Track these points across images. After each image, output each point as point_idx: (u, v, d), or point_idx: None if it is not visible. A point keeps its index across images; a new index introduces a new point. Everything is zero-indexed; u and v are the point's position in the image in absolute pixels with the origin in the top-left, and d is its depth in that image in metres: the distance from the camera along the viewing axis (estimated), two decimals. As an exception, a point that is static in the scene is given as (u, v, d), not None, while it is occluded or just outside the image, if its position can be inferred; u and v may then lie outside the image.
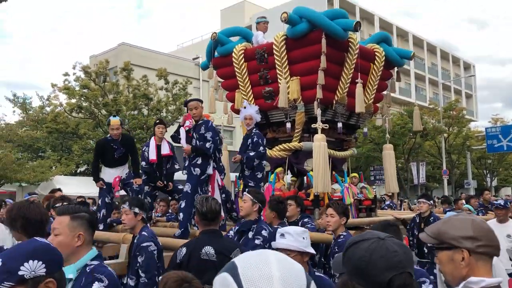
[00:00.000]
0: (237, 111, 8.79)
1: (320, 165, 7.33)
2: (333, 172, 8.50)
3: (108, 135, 7.39)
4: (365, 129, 9.00)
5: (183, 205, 6.50)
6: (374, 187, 19.37)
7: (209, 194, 6.87)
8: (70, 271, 2.48)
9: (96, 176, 7.46)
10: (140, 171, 7.63)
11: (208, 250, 3.85)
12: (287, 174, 8.98)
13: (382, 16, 53.36)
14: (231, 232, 5.27)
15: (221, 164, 7.35)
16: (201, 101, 6.84)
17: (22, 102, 30.01)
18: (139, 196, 7.12)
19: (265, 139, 7.58)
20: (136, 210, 4.60)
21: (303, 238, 3.50)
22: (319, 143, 7.42)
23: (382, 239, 1.53)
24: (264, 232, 4.89)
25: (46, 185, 22.86)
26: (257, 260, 1.14)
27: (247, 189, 6.64)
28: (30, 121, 29.02)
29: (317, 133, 7.74)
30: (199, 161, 6.57)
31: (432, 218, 7.70)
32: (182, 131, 6.94)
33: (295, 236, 3.48)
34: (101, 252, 2.82)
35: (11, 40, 79.76)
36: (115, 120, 7.26)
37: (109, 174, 7.29)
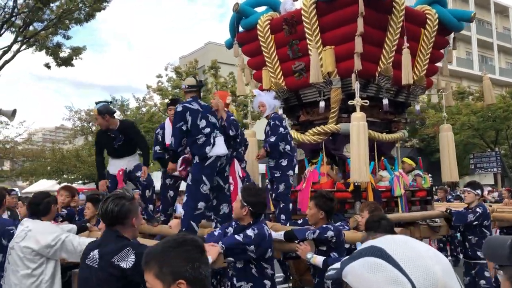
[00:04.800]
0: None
1: (359, 149, 5.69)
2: (382, 158, 6.81)
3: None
4: (417, 107, 7.20)
5: (184, 199, 5.08)
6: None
7: (232, 186, 5.50)
8: None
9: (100, 173, 6.02)
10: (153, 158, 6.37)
11: (95, 254, 2.72)
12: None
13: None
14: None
15: (241, 150, 5.90)
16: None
17: (121, 105, 31.28)
18: (147, 190, 5.79)
19: (285, 121, 6.20)
20: None
21: None
22: (357, 123, 5.79)
23: None
24: (249, 232, 3.67)
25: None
26: (400, 241, 1.03)
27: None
28: (129, 122, 29.93)
29: (355, 111, 6.10)
30: (192, 148, 5.14)
31: None
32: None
33: None
34: None
35: (109, 48, 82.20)
36: (94, 110, 5.93)
37: (114, 166, 5.95)
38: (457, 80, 36.64)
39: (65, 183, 22.48)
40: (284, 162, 5.99)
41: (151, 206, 5.81)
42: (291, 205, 5.95)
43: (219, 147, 5.17)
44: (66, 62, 21.86)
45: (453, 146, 7.11)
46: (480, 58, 46.44)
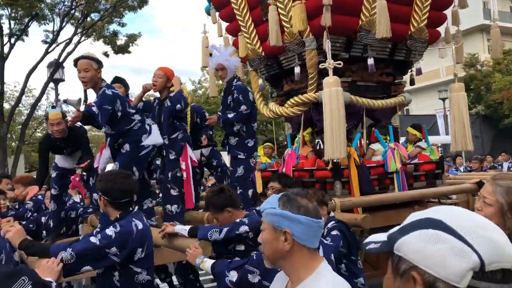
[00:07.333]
0: (244, 61, 6.17)
1: (333, 120, 4.53)
2: (373, 128, 5.56)
3: (50, 131, 5.08)
4: (418, 65, 5.74)
5: None
6: None
7: (184, 175, 4.60)
8: None
9: (41, 182, 5.26)
10: None
11: None
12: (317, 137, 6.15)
13: None
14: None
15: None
16: (95, 60, 4.19)
17: None
18: (91, 178, 5.02)
19: (251, 94, 5.04)
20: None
21: None
22: (329, 90, 4.59)
23: None
24: (109, 230, 2.77)
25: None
26: (456, 212, 0.97)
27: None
28: (186, 104, 30.09)
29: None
30: (125, 136, 4.23)
31: None
32: None
33: None
34: None
35: (160, 34, 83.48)
36: (54, 113, 4.84)
37: (61, 159, 5.12)
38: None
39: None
40: (251, 143, 5.04)
41: (95, 195, 4.98)
42: (251, 191, 4.93)
43: (156, 136, 4.40)
44: (123, 49, 21.88)
45: (466, 109, 5.64)
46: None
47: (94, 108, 3.94)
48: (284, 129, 11.63)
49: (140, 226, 2.85)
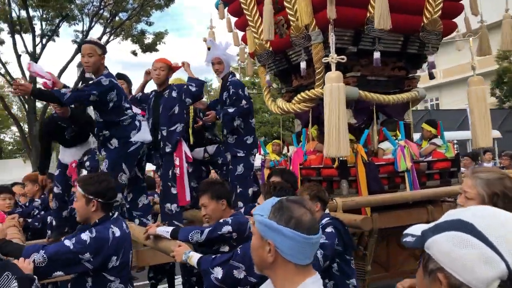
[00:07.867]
0: (253, 56, 6.01)
1: (332, 116, 4.30)
2: (381, 127, 5.31)
3: (54, 111, 5.01)
4: (431, 58, 5.43)
5: None
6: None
7: (177, 171, 4.49)
8: None
9: (42, 168, 5.14)
10: None
11: None
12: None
13: None
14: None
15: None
16: (98, 45, 4.12)
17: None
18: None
19: (246, 89, 4.90)
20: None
21: None
22: (330, 85, 4.37)
23: None
24: (84, 235, 2.68)
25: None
26: (489, 215, 0.95)
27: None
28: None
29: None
30: (113, 131, 4.11)
31: None
32: None
33: None
34: None
35: (187, 32, 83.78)
36: None
37: (65, 155, 5.03)
38: None
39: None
40: (250, 140, 4.89)
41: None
42: (251, 190, 4.76)
43: (145, 133, 4.32)
44: (150, 48, 22.05)
45: (485, 103, 5.30)
46: None
47: (63, 90, 3.89)
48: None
49: (118, 233, 2.76)
